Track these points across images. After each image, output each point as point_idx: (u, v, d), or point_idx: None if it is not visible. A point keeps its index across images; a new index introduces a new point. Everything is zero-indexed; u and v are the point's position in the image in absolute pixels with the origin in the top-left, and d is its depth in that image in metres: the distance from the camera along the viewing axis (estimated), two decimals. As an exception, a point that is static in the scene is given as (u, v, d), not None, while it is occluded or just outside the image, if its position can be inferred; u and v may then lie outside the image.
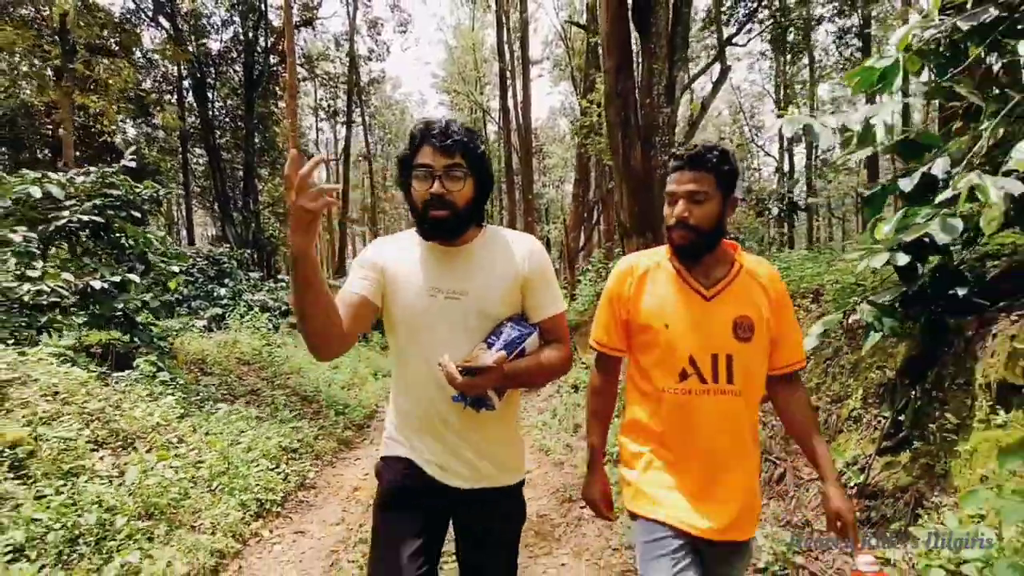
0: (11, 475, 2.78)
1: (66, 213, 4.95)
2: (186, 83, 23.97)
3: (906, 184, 2.67)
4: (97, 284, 4.82)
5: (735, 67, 18.71)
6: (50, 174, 5.26)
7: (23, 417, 3.14)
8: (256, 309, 9.77)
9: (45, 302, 4.57)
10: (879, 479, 2.67)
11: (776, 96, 19.97)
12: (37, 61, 12.24)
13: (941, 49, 2.59)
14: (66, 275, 4.63)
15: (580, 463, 4.50)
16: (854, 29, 14.34)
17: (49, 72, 12.57)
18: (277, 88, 24.69)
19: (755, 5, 11.47)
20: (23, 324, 4.36)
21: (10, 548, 2.35)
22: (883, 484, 2.63)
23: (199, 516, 3.33)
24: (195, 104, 23.12)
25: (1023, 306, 2.40)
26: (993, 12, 2.50)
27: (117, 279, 4.97)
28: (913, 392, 2.75)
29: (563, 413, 6.08)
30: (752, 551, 1.52)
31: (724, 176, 1.43)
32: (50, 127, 14.70)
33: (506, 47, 25.45)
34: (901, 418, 2.77)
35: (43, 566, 2.39)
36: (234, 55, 24.26)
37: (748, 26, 11.66)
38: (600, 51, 10.41)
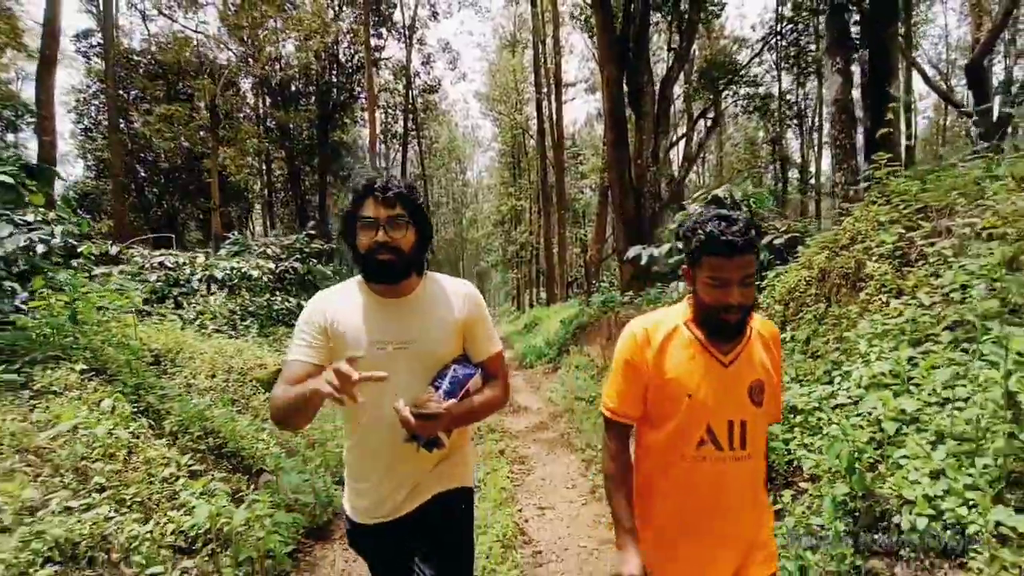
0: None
1: (285, 263, 8.97)
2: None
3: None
4: (303, 303, 8.83)
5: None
6: (271, 238, 9.30)
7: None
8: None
9: (278, 314, 8.59)
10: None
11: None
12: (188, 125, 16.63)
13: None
14: (290, 299, 8.64)
15: (579, 426, 8.18)
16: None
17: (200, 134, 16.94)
18: (346, 119, 28.84)
19: (720, 89, 14.87)
20: (282, 322, 8.36)
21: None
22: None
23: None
24: (279, 135, 27.34)
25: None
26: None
27: (314, 300, 8.97)
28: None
29: (568, 383, 9.72)
30: None
31: (759, 252, 1.46)
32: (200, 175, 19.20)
33: (542, 70, 28.50)
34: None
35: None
36: (310, 91, 28.33)
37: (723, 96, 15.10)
38: (604, 124, 13.98)
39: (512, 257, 39.34)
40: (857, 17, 11.15)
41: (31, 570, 2.20)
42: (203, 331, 5.84)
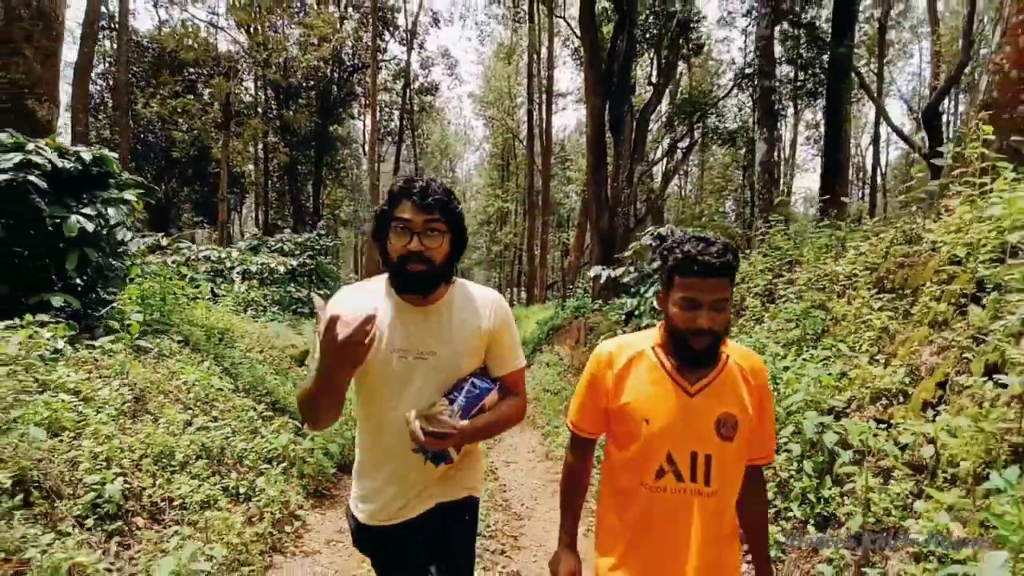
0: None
1: (301, 260, 10.31)
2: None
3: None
4: (315, 294, 10.19)
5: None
6: (285, 237, 10.62)
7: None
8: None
9: (296, 303, 9.94)
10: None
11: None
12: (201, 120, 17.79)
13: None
14: (303, 291, 9.98)
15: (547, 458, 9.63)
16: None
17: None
18: (344, 113, 29.98)
19: (694, 121, 16.49)
20: (295, 312, 9.70)
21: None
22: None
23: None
24: (280, 128, 28.33)
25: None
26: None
27: (324, 292, 10.31)
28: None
29: (539, 377, 11.19)
30: None
31: (735, 275, 1.40)
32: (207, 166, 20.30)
33: (535, 81, 29.82)
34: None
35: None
36: (310, 85, 29.28)
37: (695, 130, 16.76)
38: (586, 149, 15.50)
39: (496, 257, 40.66)
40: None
41: (190, 461, 3.59)
42: (243, 315, 7.18)
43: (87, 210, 4.56)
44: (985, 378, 2.53)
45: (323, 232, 10.87)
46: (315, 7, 22.74)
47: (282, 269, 8.11)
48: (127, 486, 3.00)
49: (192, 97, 17.13)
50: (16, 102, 5.54)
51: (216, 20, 25.49)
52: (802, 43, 13.15)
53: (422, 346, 1.53)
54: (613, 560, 1.47)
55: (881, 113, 21.46)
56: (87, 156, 4.73)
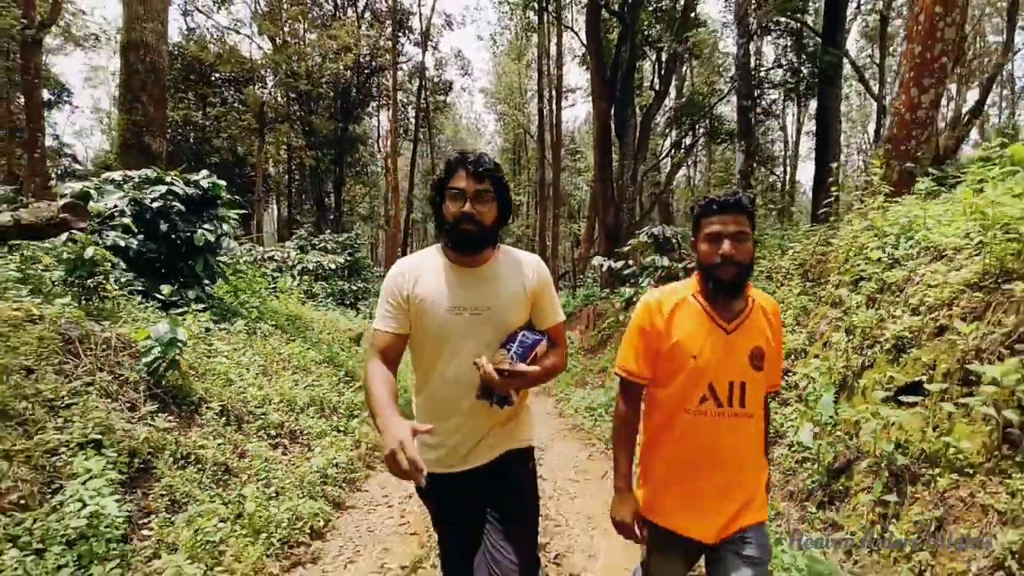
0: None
1: (345, 257, 11.76)
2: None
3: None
4: (353, 287, 11.62)
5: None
6: (327, 236, 12.07)
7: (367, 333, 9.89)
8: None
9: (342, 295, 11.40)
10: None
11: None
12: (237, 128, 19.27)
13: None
14: (346, 284, 11.45)
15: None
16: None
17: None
18: (362, 113, 31.34)
19: (695, 121, 17.73)
20: (340, 302, 11.16)
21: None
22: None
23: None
24: (305, 132, 29.69)
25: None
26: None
27: (362, 285, 11.78)
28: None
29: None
30: (765, 533, 1.68)
31: (753, 217, 1.63)
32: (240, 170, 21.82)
33: (544, 79, 30.89)
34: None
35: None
36: (330, 87, 30.59)
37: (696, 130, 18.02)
38: (592, 149, 16.79)
39: (509, 249, 41.61)
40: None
41: (305, 407, 5.03)
42: (307, 305, 8.63)
43: (207, 225, 6.00)
44: (844, 337, 3.90)
45: (360, 232, 12.27)
46: (336, 16, 24.05)
47: (333, 266, 9.57)
48: (278, 419, 4.45)
49: (224, 106, 18.58)
50: (136, 139, 6.99)
51: (239, 27, 26.94)
52: (790, 50, 14.27)
53: (476, 303, 1.70)
54: (658, 471, 1.72)
55: (881, 108, 22.38)
56: (204, 184, 6.16)
